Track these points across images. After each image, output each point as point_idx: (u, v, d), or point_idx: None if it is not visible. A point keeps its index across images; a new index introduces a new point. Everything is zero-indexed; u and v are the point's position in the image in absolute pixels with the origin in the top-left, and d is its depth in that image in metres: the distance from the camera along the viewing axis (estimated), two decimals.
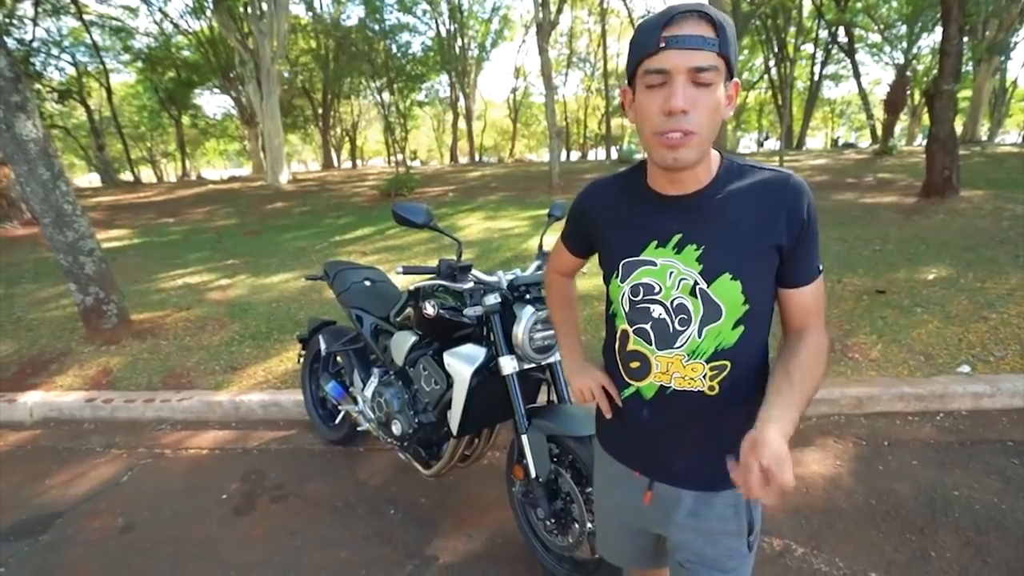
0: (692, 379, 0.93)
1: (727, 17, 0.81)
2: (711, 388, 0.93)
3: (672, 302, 0.92)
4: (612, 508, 1.17)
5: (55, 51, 20.10)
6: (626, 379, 1.01)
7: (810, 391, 0.86)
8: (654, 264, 0.93)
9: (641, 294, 0.95)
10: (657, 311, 0.94)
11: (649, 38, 0.79)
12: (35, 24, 17.69)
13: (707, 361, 0.92)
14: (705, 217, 0.90)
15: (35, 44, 18.23)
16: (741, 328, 0.91)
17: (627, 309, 0.97)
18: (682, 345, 0.93)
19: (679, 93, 0.78)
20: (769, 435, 0.76)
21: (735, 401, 0.94)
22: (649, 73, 0.80)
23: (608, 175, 1.05)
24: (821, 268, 0.94)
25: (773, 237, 0.88)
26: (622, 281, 0.97)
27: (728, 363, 0.92)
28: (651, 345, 0.96)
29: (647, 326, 0.95)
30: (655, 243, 0.93)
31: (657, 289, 0.93)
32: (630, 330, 0.98)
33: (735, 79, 0.85)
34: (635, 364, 0.99)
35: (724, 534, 0.99)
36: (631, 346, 0.99)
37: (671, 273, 0.92)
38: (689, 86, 0.79)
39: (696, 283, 0.90)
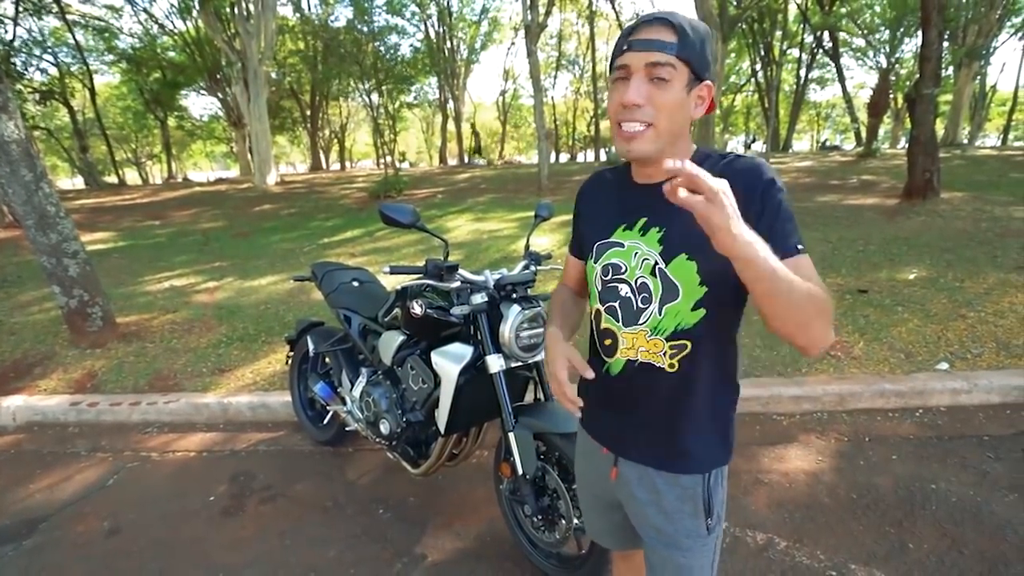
0: (654, 354, 0.98)
1: (696, 24, 0.88)
2: (671, 365, 0.98)
3: (636, 281, 0.98)
4: (587, 482, 1.24)
5: (37, 51, 19.80)
6: (602, 357, 1.07)
7: (792, 281, 0.76)
8: (621, 245, 1.01)
9: (610, 274, 1.02)
10: (624, 290, 1.00)
11: (620, 43, 0.91)
12: (16, 24, 17.42)
13: (667, 339, 0.97)
14: (668, 201, 0.92)
15: (16, 44, 17.94)
16: (702, 311, 0.94)
17: (599, 288, 1.05)
18: (645, 322, 0.98)
19: (633, 88, 0.88)
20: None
21: (695, 380, 0.98)
22: (615, 69, 0.92)
23: (607, 167, 1.13)
24: (801, 248, 0.87)
25: None
26: (595, 262, 1.05)
27: (688, 343, 0.96)
28: (619, 322, 1.02)
29: (616, 304, 1.02)
30: (623, 226, 1.01)
31: (623, 269, 1.00)
32: (602, 309, 1.05)
33: (706, 81, 0.90)
34: (608, 341, 1.05)
35: (681, 513, 1.04)
36: (603, 324, 1.05)
37: (636, 254, 0.98)
38: (646, 83, 0.88)
39: (656, 263, 0.95)
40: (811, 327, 0.80)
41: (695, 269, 0.92)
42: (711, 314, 0.95)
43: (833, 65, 23.10)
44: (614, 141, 0.95)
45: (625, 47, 0.89)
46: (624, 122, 0.90)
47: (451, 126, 27.80)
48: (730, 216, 0.72)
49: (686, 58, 0.86)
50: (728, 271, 0.91)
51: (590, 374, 1.05)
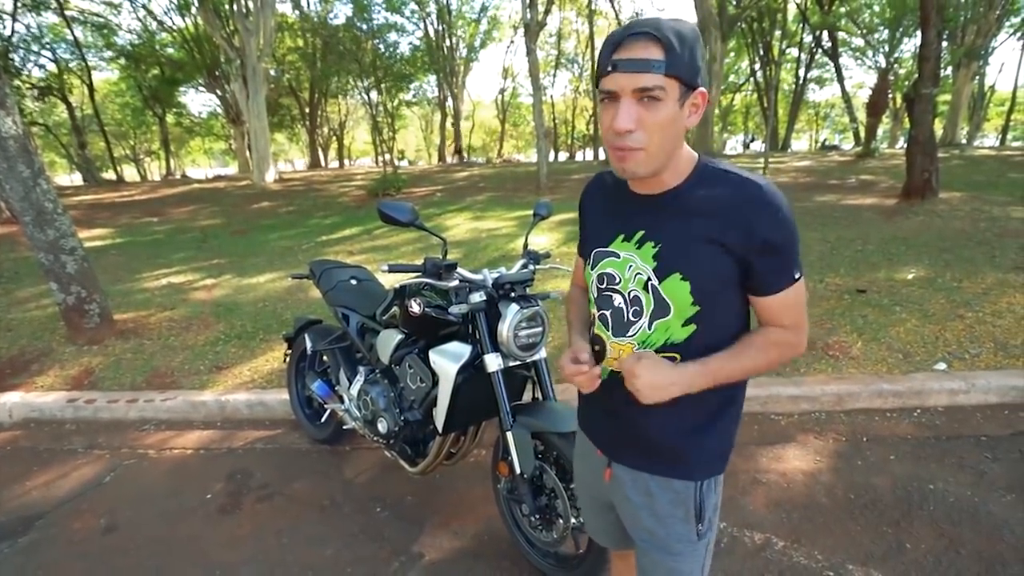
0: None
1: (683, 29, 0.84)
2: None
3: (629, 293, 0.99)
4: (584, 483, 1.26)
5: (35, 47, 19.75)
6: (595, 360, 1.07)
7: (738, 367, 0.94)
8: (617, 256, 1.00)
9: (605, 283, 1.02)
10: (617, 300, 1.01)
11: (604, 59, 0.86)
12: (14, 19, 17.36)
13: (655, 352, 0.96)
14: (666, 217, 0.94)
15: (14, 39, 17.89)
16: (692, 327, 0.94)
17: (595, 296, 1.06)
18: (634, 335, 0.98)
19: (623, 114, 0.84)
20: (649, 362, 0.90)
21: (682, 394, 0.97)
22: (602, 92, 0.87)
23: (608, 170, 1.11)
24: (797, 276, 0.92)
25: (729, 245, 0.89)
26: (592, 268, 1.06)
27: (677, 357, 0.96)
28: (608, 331, 1.03)
29: (608, 313, 1.03)
30: (621, 236, 1.00)
31: (617, 279, 1.00)
32: (596, 315, 1.06)
33: (699, 89, 0.87)
34: (597, 347, 1.05)
35: (673, 518, 1.04)
36: (595, 330, 1.07)
37: (630, 266, 0.97)
38: (635, 104, 0.84)
39: (649, 279, 0.94)
40: (770, 369, 0.96)
41: (688, 289, 0.91)
42: (702, 330, 0.94)
43: (832, 65, 23.11)
44: (609, 159, 0.94)
45: (610, 67, 0.84)
46: (616, 146, 0.88)
47: (450, 124, 27.76)
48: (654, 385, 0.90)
49: (675, 74, 0.82)
50: (722, 291, 0.93)
51: (596, 370, 1.04)
